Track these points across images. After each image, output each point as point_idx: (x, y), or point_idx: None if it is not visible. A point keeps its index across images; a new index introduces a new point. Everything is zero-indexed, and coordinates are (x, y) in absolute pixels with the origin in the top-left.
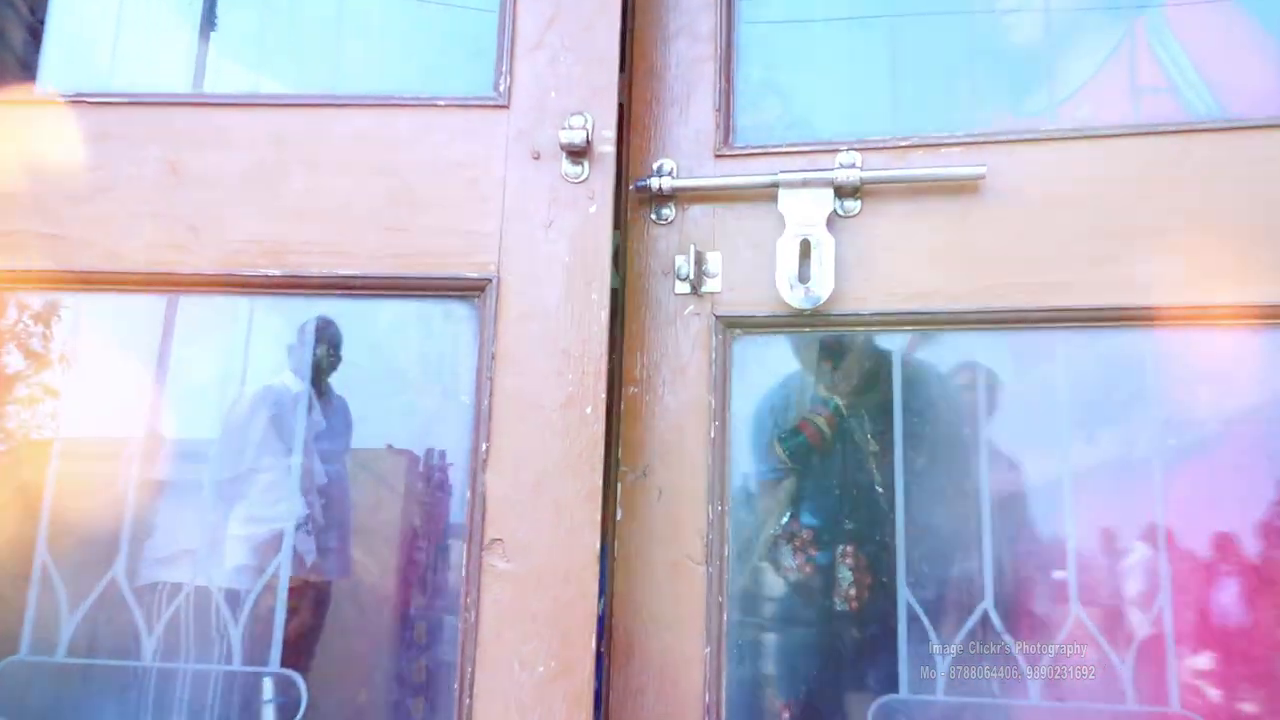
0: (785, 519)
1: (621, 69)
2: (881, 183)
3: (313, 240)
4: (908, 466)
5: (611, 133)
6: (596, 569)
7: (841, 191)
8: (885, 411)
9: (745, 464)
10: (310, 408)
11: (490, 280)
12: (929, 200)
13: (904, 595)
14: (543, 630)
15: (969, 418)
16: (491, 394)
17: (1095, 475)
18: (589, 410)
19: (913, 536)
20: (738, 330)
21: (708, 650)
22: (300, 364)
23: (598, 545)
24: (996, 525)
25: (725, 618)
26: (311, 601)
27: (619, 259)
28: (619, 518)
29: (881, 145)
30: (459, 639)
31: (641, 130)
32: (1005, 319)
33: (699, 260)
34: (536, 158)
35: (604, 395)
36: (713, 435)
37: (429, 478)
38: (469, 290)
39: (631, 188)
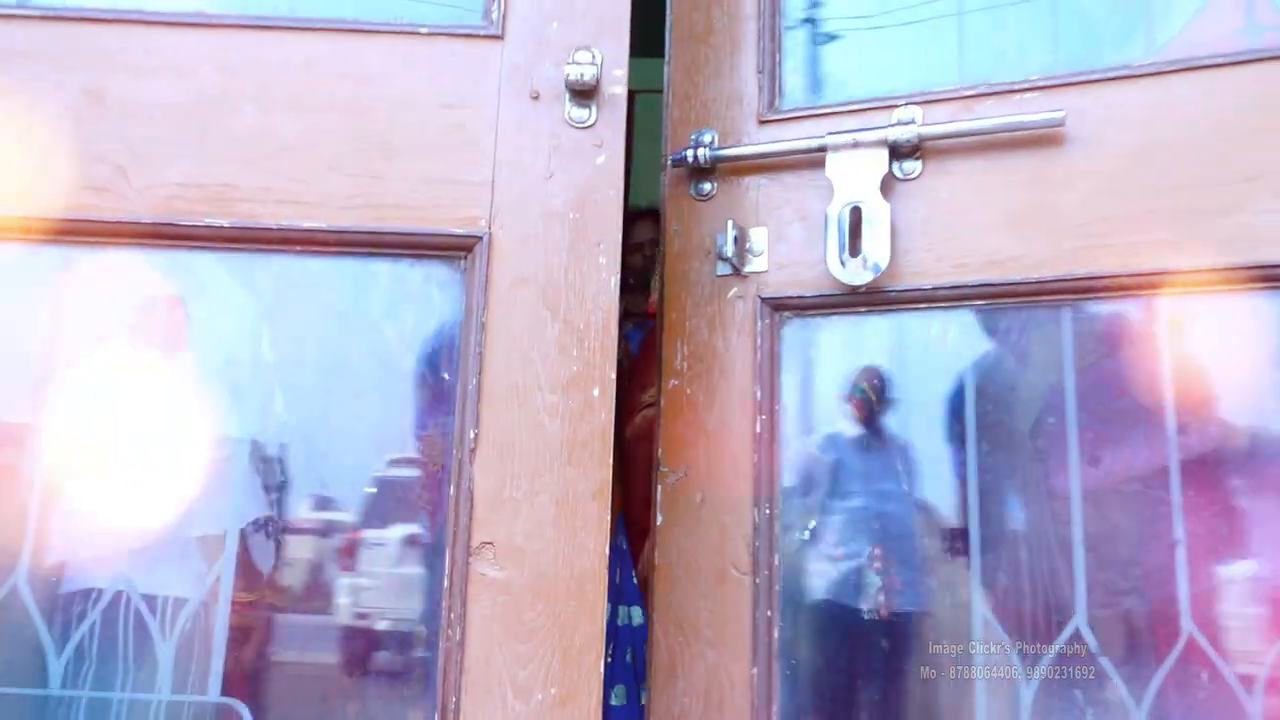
0: (842, 523)
1: (660, 39)
2: (943, 138)
3: (268, 186)
4: (981, 462)
5: (623, 72)
6: (604, 578)
7: (899, 151)
8: (955, 400)
9: (797, 462)
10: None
11: (480, 239)
12: (1001, 155)
13: (979, 610)
14: (541, 650)
15: (1053, 405)
16: (481, 372)
17: (1212, 467)
18: (596, 393)
19: (988, 541)
20: (786, 313)
21: (755, 671)
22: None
23: (606, 550)
24: (1090, 528)
25: (775, 634)
26: (263, 617)
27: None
28: (659, 523)
29: (945, 97)
30: (440, 662)
31: (681, 100)
32: (1094, 287)
33: (741, 237)
34: (535, 98)
35: (613, 376)
36: (759, 430)
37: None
38: (454, 250)
39: (667, 161)
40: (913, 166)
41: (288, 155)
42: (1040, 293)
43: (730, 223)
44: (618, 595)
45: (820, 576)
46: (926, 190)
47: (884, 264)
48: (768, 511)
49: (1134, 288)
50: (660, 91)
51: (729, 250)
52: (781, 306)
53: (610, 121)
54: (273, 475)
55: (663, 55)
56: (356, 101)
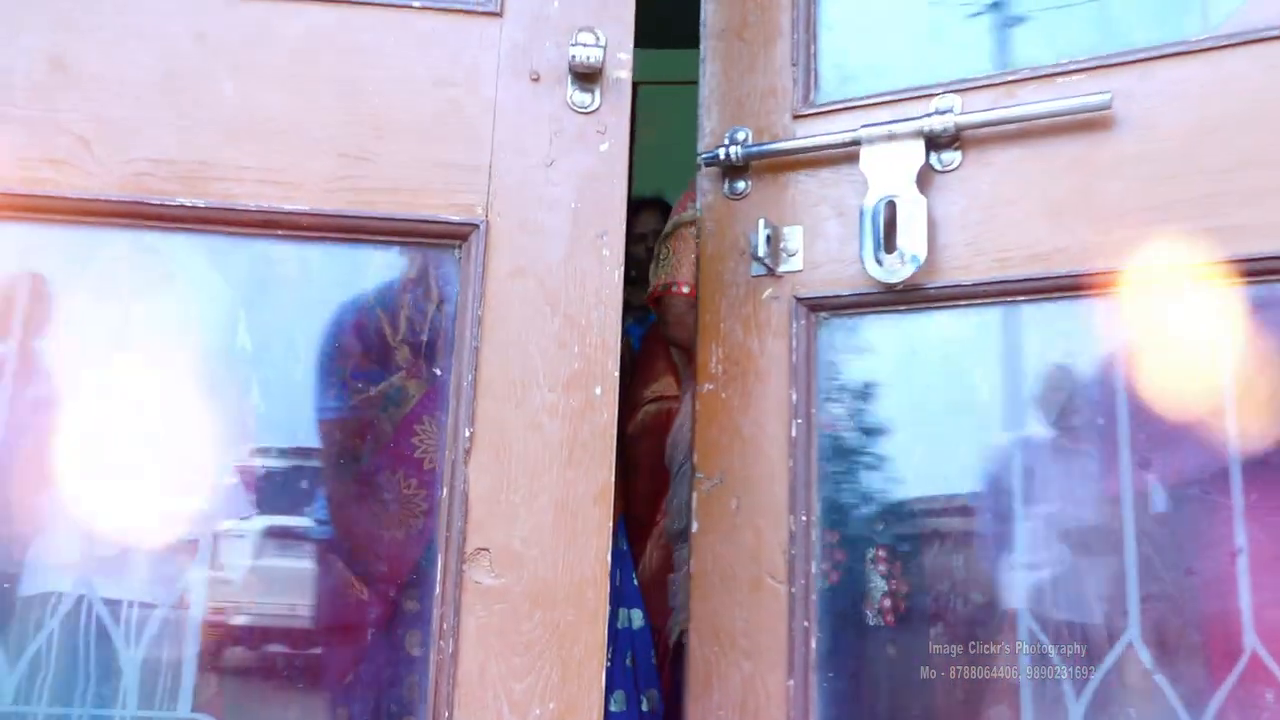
0: (881, 531)
1: (667, 31)
2: (983, 126)
3: (247, 165)
4: (1026, 466)
5: (628, 56)
6: (606, 585)
7: (937, 142)
8: (996, 398)
9: (834, 467)
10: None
11: (476, 226)
12: (1045, 143)
13: (1025, 621)
14: (539, 663)
15: (1102, 404)
16: (476, 368)
17: (1276, 470)
18: (598, 392)
19: (1033, 547)
20: (823, 313)
21: (791, 683)
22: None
23: (608, 556)
24: (1143, 535)
25: (812, 645)
26: (241, 627)
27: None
28: (694, 529)
29: (985, 84)
30: (431, 674)
31: (715, 97)
32: (1147, 279)
33: (775, 236)
34: (536, 80)
35: (616, 374)
36: (794, 435)
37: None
38: (449, 238)
39: (700, 160)
40: (951, 157)
41: (269, 132)
42: (1086, 286)
43: (762, 221)
44: (618, 598)
45: (865, 590)
46: (966, 182)
47: (920, 260)
48: (804, 518)
49: (1190, 278)
50: (664, 84)
51: (762, 250)
52: (818, 307)
53: (614, 107)
54: (251, 475)
55: (669, 47)
56: (345, 77)
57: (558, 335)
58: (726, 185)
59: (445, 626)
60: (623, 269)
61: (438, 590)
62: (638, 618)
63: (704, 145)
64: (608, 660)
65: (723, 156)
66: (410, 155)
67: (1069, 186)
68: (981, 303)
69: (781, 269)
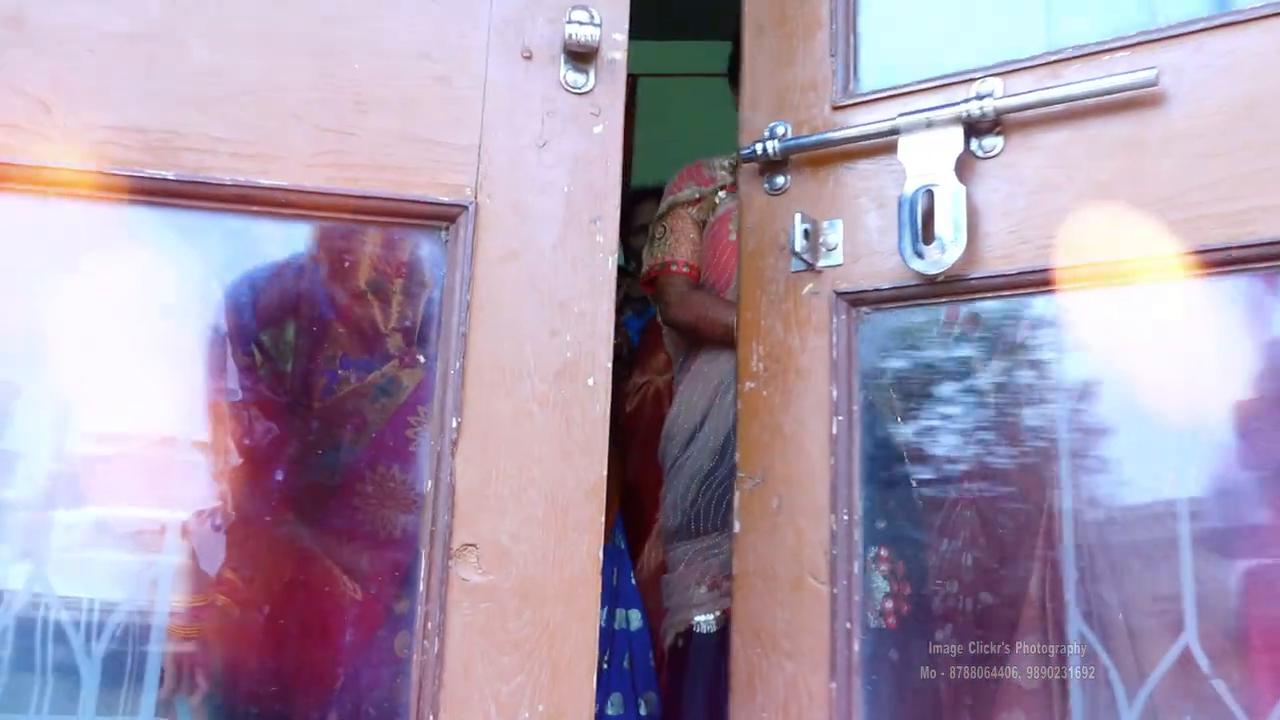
0: (923, 531)
1: (669, 22)
2: (1025, 109)
3: (220, 136)
4: (1074, 461)
5: (623, 37)
6: (598, 584)
7: (977, 128)
8: (1044, 394)
9: (877, 464)
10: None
11: (465, 208)
12: (1091, 124)
13: (1075, 624)
14: (528, 663)
15: (1155, 396)
16: (465, 355)
17: None
18: (591, 381)
19: (1083, 550)
20: (863, 308)
21: (834, 685)
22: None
23: (600, 552)
24: (1199, 534)
25: (854, 647)
26: (211, 625)
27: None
28: (737, 530)
29: (1028, 65)
30: (414, 676)
31: (754, 92)
32: (1200, 263)
33: (814, 230)
34: (528, 58)
35: (609, 364)
36: (835, 432)
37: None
38: (436, 219)
39: (739, 156)
40: (993, 143)
41: (245, 101)
42: (1135, 272)
43: (799, 216)
44: (615, 598)
45: (908, 591)
46: (1008, 167)
47: (960, 250)
48: (846, 517)
49: (1247, 260)
50: (668, 76)
51: (800, 244)
52: (859, 301)
53: (609, 89)
54: (225, 463)
55: (674, 39)
56: (325, 46)
57: (549, 322)
58: (766, 181)
59: (430, 625)
60: (617, 256)
61: (422, 587)
62: (636, 618)
63: (743, 141)
64: (604, 663)
65: (760, 152)
66: (395, 131)
67: (1117, 168)
68: (1026, 292)
69: (821, 264)
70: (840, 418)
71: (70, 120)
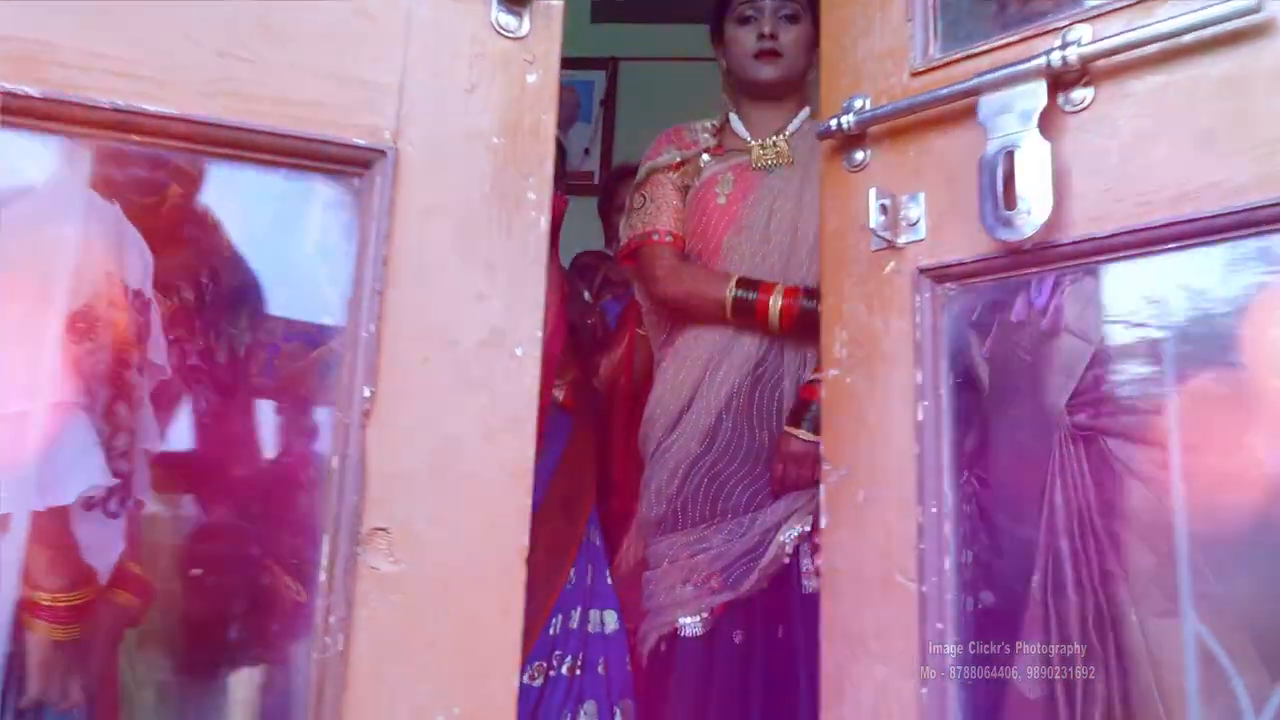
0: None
1: (667, 9)
2: (1113, 54)
3: (101, 52)
4: (1186, 444)
5: None
6: (523, 575)
7: (1063, 80)
8: (1142, 370)
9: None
10: None
11: (383, 154)
12: (1190, 64)
13: (1191, 626)
14: (445, 664)
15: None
16: (380, 317)
17: None
18: (519, 351)
19: (1200, 545)
20: (949, 285)
21: (924, 691)
22: None
23: (525, 541)
24: None
25: (945, 648)
26: (90, 624)
27: None
28: (824, 525)
29: (1119, 6)
30: (314, 679)
31: (831, 67)
32: None
33: (894, 205)
34: None
35: (539, 334)
36: (921, 419)
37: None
38: (350, 164)
39: (817, 134)
40: (1082, 95)
41: (130, 12)
42: (1248, 225)
43: (874, 191)
44: (589, 598)
45: (1005, 591)
46: (1100, 121)
47: (1045, 213)
48: (934, 509)
49: None
50: (647, 60)
51: (877, 220)
52: (943, 277)
53: (545, 35)
54: (118, 440)
55: (653, 21)
56: None
57: (475, 285)
58: (845, 157)
59: (333, 620)
60: (549, 217)
61: (324, 577)
62: (611, 620)
63: (822, 117)
64: (578, 668)
65: (835, 127)
66: (306, 63)
67: (1220, 111)
68: (1122, 256)
69: (902, 240)
70: (926, 403)
71: None
